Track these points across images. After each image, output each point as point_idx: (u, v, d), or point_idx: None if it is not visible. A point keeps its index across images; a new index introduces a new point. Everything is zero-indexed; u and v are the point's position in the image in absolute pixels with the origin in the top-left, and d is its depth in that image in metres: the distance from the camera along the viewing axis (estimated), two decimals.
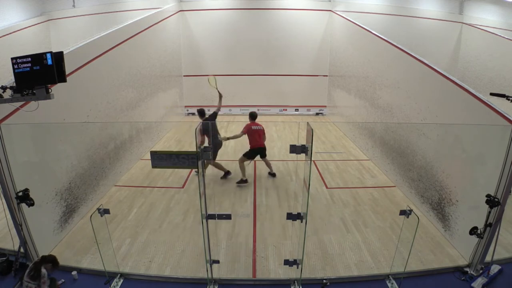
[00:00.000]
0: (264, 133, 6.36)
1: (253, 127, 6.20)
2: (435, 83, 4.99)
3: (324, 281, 3.62)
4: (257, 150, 6.25)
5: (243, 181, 6.11)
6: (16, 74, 2.72)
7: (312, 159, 2.94)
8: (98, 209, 3.37)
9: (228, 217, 3.41)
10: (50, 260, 3.29)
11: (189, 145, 8.37)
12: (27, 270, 3.21)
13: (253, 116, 6.37)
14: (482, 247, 3.73)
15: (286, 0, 11.45)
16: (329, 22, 11.52)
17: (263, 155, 6.43)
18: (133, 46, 7.34)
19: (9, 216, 3.61)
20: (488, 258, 3.77)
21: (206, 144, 5.81)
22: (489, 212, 3.54)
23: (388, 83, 6.82)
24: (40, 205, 3.79)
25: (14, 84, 2.79)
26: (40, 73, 2.68)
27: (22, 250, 3.79)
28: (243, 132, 6.15)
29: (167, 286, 3.64)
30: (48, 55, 2.65)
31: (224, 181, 6.28)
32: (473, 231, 3.65)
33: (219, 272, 3.75)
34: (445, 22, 11.93)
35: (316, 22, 11.59)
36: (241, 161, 6.15)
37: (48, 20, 11.26)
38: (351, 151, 8.28)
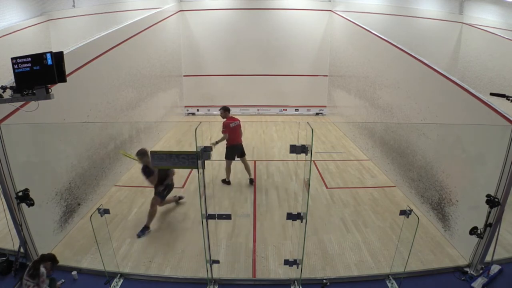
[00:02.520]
0: (240, 128, 5.99)
1: (231, 124, 5.79)
2: (435, 83, 4.99)
3: (324, 281, 3.62)
4: (234, 147, 5.89)
5: (225, 182, 6.06)
6: (16, 74, 2.72)
7: (312, 159, 2.94)
8: (98, 209, 3.37)
9: (228, 217, 3.41)
10: (49, 258, 3.30)
11: (189, 145, 8.37)
12: (27, 269, 3.22)
13: (228, 109, 5.95)
14: (482, 247, 3.73)
15: (286, 0, 11.45)
16: (329, 22, 11.52)
17: (242, 154, 6.06)
18: (133, 46, 7.34)
19: (9, 216, 3.61)
20: (488, 258, 3.77)
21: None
22: (489, 212, 3.54)
23: (388, 83, 6.82)
24: (40, 205, 3.79)
25: (14, 84, 2.79)
26: (40, 73, 2.68)
27: (22, 250, 3.79)
28: (225, 132, 5.74)
29: (167, 286, 3.64)
30: (48, 55, 2.65)
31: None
32: (473, 231, 3.65)
33: (219, 272, 3.75)
34: (445, 22, 11.93)
35: (316, 22, 11.60)
36: (227, 165, 6.02)
37: (48, 20, 11.27)
38: (351, 151, 8.28)
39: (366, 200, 5.54)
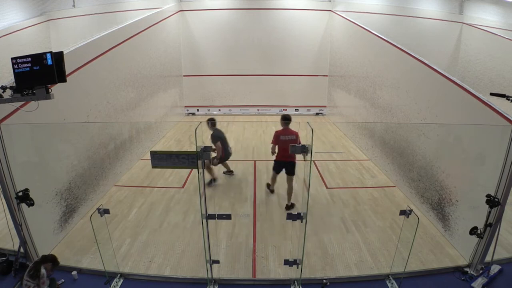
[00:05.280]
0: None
1: (281, 137, 5.10)
2: (435, 83, 4.99)
3: (324, 281, 3.62)
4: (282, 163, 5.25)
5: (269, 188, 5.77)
6: (16, 74, 2.72)
7: (312, 159, 2.94)
8: (98, 209, 3.37)
9: (228, 217, 3.41)
10: (51, 260, 3.30)
11: (189, 145, 8.37)
12: (28, 269, 3.21)
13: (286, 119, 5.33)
14: (482, 247, 3.73)
15: (286, 0, 11.46)
16: (329, 22, 11.52)
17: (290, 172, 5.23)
18: (133, 46, 7.34)
19: (9, 216, 3.61)
20: (488, 258, 3.77)
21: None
22: (489, 212, 3.54)
23: (388, 83, 6.82)
24: (40, 205, 3.78)
25: (14, 84, 2.79)
26: (40, 73, 2.68)
27: (22, 250, 3.79)
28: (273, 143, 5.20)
29: (167, 286, 3.63)
30: (48, 55, 2.65)
31: (223, 181, 6.27)
32: (473, 231, 3.65)
33: (219, 272, 3.75)
34: (445, 22, 11.93)
35: (316, 22, 11.59)
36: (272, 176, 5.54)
37: (48, 20, 11.26)
38: (351, 151, 8.28)
39: (366, 200, 5.53)
